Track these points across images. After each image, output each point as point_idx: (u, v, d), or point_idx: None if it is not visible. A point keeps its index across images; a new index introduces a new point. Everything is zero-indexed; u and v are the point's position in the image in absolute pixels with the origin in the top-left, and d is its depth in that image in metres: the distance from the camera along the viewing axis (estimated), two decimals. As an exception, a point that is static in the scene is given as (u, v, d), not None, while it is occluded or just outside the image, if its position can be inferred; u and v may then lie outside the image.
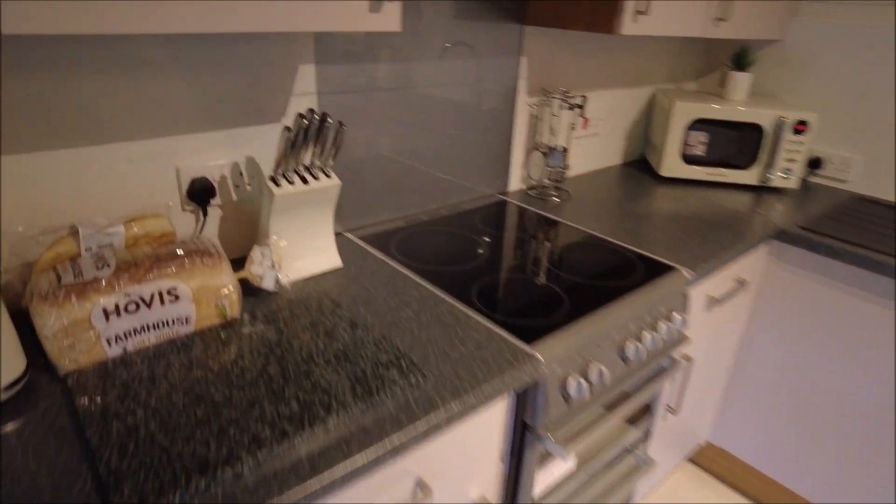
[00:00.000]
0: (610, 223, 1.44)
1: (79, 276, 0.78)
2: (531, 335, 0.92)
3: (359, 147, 1.23)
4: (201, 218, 1.06)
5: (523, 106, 1.55)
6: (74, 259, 0.82)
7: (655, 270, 1.18)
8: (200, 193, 1.04)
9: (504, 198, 1.59)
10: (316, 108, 1.13)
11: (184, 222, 1.05)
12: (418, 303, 1.00)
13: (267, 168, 1.12)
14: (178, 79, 0.96)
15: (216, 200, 1.06)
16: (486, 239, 1.31)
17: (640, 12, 1.25)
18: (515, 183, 1.65)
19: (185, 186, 1.02)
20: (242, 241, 1.14)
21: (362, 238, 1.26)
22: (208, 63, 0.98)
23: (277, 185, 0.99)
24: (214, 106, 1.01)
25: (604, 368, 0.97)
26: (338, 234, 1.28)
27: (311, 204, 1.05)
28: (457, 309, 0.98)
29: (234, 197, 1.09)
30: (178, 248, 0.86)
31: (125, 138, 0.94)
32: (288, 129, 0.93)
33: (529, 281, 1.11)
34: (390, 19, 0.85)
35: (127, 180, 0.96)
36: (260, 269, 0.97)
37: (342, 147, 0.98)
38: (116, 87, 0.90)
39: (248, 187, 1.10)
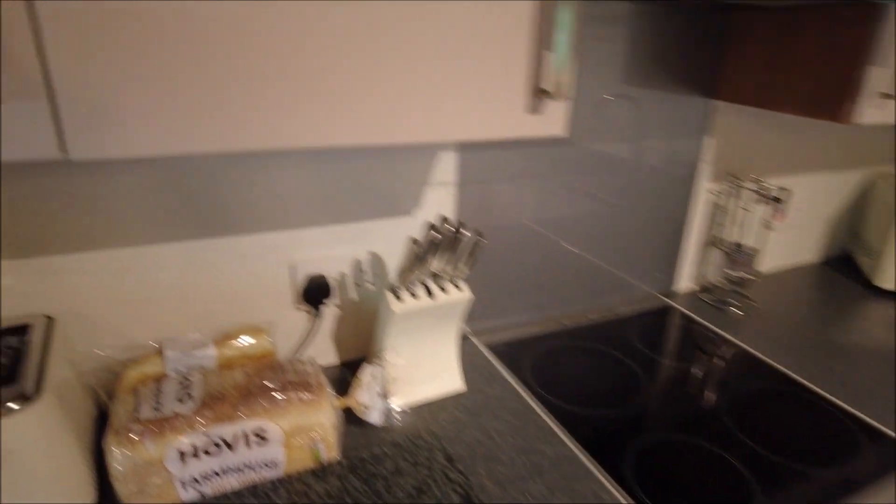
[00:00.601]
0: (810, 358, 1.11)
1: (158, 408, 0.67)
2: (709, 559, 0.66)
3: (495, 216, 1.04)
4: (314, 319, 0.94)
5: (703, 192, 1.28)
6: (160, 380, 0.72)
7: (883, 450, 0.85)
8: (316, 292, 0.92)
9: (669, 301, 1.31)
10: (454, 200, 0.97)
11: (294, 321, 0.94)
12: (552, 468, 0.78)
13: (392, 263, 0.98)
14: (298, 167, 0.84)
15: (333, 300, 0.94)
16: (646, 365, 1.05)
17: (886, 96, 0.94)
18: (685, 281, 1.37)
19: (299, 285, 0.90)
20: (359, 341, 1.00)
21: (490, 347, 1.07)
22: (333, 150, 0.85)
23: (398, 297, 0.83)
24: (337, 197, 0.89)
25: None
26: (462, 339, 1.10)
27: (436, 318, 0.88)
28: (604, 490, 0.75)
29: (354, 296, 0.96)
30: (273, 379, 0.73)
31: (236, 232, 0.84)
32: (416, 241, 0.78)
33: (704, 450, 0.84)
34: (554, 122, 0.66)
35: (236, 277, 0.86)
36: (367, 398, 0.81)
37: (478, 259, 0.81)
38: (229, 176, 0.81)
39: (370, 286, 0.96)
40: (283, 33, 0.49)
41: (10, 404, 0.59)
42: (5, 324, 0.73)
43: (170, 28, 0.45)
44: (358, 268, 0.94)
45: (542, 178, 1.06)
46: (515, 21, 0.59)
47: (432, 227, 0.77)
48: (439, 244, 0.78)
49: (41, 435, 0.62)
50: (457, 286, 0.87)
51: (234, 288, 0.87)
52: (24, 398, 0.60)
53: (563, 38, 0.59)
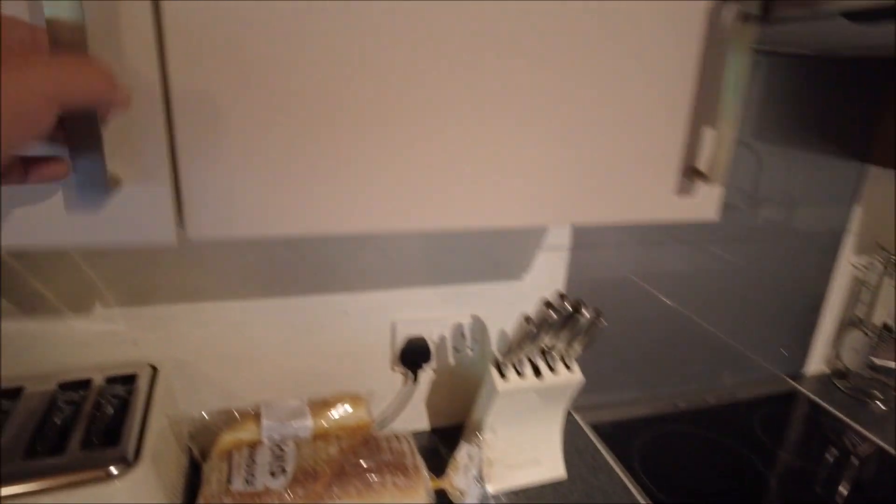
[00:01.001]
0: (983, 477, 0.93)
1: (250, 481, 0.64)
2: None
3: (600, 270, 0.96)
4: (410, 383, 0.89)
5: (846, 266, 1.13)
6: (254, 448, 0.69)
7: None
8: (414, 355, 0.87)
9: (796, 385, 1.16)
10: (566, 265, 0.90)
11: (389, 383, 0.89)
12: (670, 592, 0.68)
13: (494, 328, 0.91)
14: (411, 229, 0.81)
15: (430, 364, 0.89)
16: (770, 462, 0.92)
17: None
18: (815, 363, 1.21)
19: (398, 345, 0.86)
20: (453, 409, 0.94)
21: (594, 427, 0.98)
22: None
23: (503, 374, 0.77)
24: (444, 258, 0.84)
25: None
26: (565, 413, 1.01)
27: (541, 398, 0.81)
28: None
29: (452, 361, 0.90)
30: (368, 457, 0.68)
31: (343, 289, 0.82)
32: (528, 319, 0.71)
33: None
34: (705, 206, 0.58)
35: (337, 335, 0.83)
36: (463, 482, 0.75)
37: (596, 339, 0.74)
38: (341, 237, 0.78)
39: (470, 351, 0.91)
40: (411, 119, 0.45)
41: (112, 468, 0.58)
42: (114, 371, 0.73)
43: (295, 110, 0.42)
44: (458, 331, 0.89)
45: (660, 237, 0.97)
46: (673, 93, 0.52)
47: (548, 304, 0.70)
48: (553, 323, 0.71)
49: (135, 502, 0.60)
50: (567, 366, 0.79)
51: (335, 345, 0.84)
52: (124, 462, 0.59)
53: (727, 115, 0.51)
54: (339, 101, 0.43)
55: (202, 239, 0.44)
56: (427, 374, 0.90)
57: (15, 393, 0.70)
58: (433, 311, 0.87)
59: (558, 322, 0.71)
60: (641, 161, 0.54)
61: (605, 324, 0.72)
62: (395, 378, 0.89)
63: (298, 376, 0.84)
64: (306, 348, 0.83)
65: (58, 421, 0.67)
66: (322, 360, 0.84)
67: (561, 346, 0.78)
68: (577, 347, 0.78)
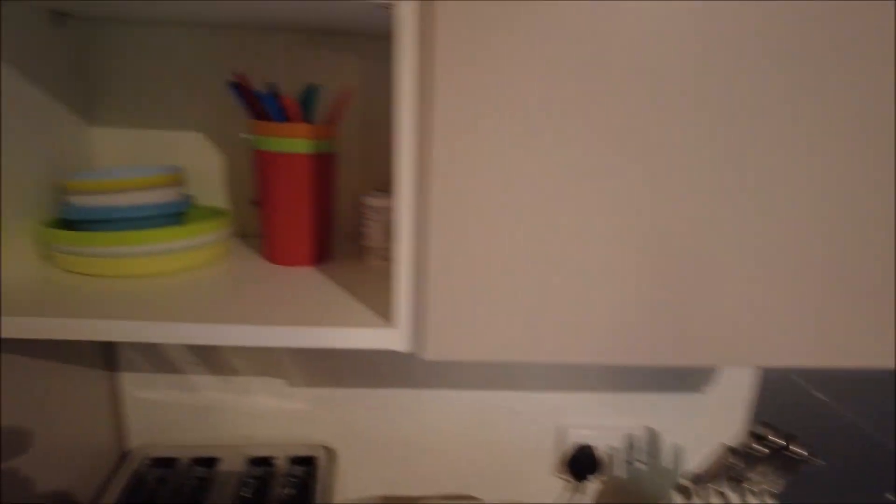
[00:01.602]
0: None
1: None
2: None
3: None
4: (574, 492, 0.84)
5: None
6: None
7: None
8: (581, 464, 0.82)
9: None
10: (755, 383, 0.82)
11: (548, 488, 0.85)
12: None
13: (668, 441, 0.85)
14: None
15: (600, 475, 0.83)
16: None
17: None
18: None
19: (565, 451, 0.82)
20: (615, 523, 0.88)
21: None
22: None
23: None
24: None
25: None
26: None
27: (729, 533, 0.73)
28: None
29: (622, 474, 0.84)
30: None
31: (515, 387, 0.80)
32: (733, 450, 0.65)
33: None
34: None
35: (505, 432, 0.81)
36: None
37: (800, 476, 0.66)
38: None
39: (641, 465, 0.84)
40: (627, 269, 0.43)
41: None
42: (295, 451, 0.76)
43: (521, 272, 0.42)
44: (630, 442, 0.83)
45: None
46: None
47: (756, 435, 0.64)
48: (760, 457, 0.64)
49: None
50: (763, 501, 0.71)
51: (500, 443, 0.82)
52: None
53: None
54: (560, 266, 0.42)
55: (436, 360, 0.45)
56: (592, 483, 0.85)
57: (210, 462, 0.74)
58: (605, 419, 0.82)
59: (766, 457, 0.64)
60: (865, 304, 0.48)
61: (822, 462, 0.64)
62: (557, 483, 0.85)
63: (462, 470, 0.82)
64: (472, 442, 0.81)
65: (247, 495, 0.70)
66: (486, 455, 0.82)
67: (757, 478, 0.70)
68: (778, 482, 0.69)
